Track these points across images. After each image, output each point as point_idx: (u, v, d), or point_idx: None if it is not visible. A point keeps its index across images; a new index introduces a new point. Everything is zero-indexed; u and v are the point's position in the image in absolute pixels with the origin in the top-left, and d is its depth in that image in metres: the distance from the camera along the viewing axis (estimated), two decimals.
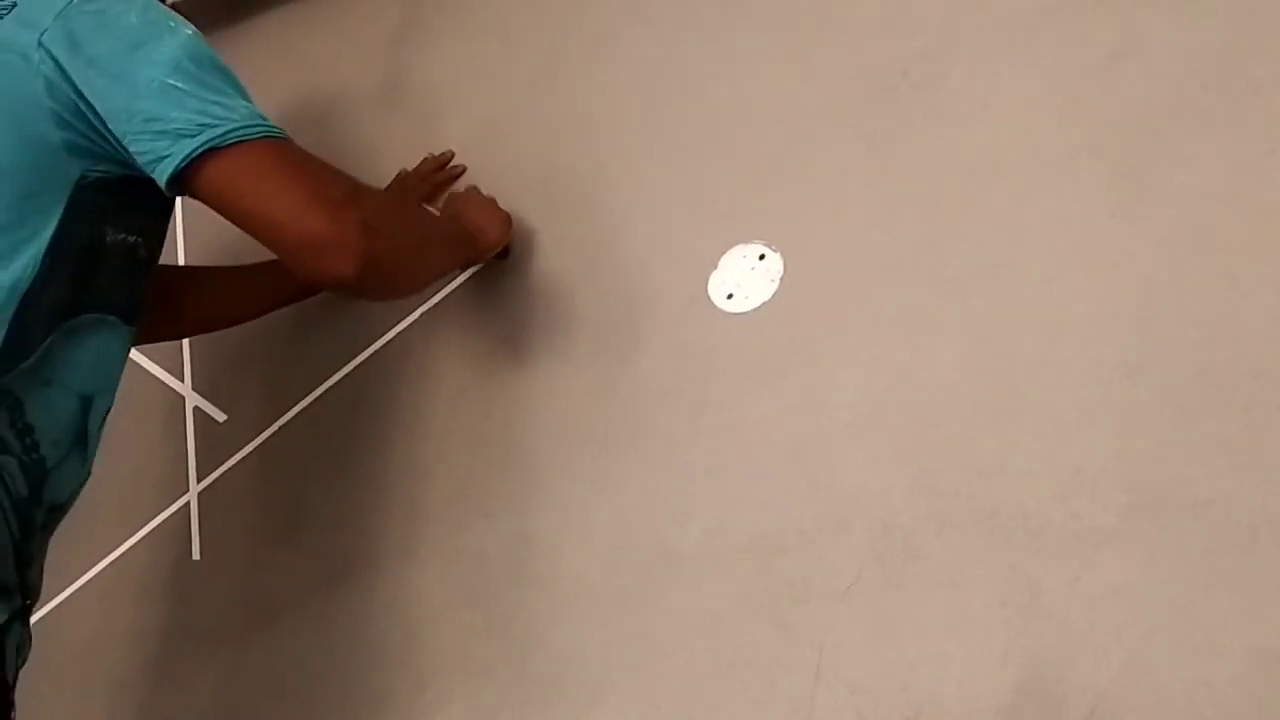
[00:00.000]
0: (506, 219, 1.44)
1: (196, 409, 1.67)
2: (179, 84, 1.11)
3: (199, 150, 1.09)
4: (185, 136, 1.09)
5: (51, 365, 1.13)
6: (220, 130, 1.10)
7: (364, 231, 1.10)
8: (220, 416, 1.65)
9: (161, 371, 1.73)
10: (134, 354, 1.68)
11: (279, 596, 1.45)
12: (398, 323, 1.52)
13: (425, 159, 1.62)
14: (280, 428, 1.56)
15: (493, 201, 1.46)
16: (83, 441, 1.19)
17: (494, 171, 1.56)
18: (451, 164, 1.61)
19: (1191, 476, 0.96)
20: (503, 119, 1.60)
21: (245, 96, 1.16)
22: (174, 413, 1.69)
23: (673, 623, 1.15)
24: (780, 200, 1.29)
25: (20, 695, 1.60)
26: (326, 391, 1.55)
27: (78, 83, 1.10)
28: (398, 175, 1.61)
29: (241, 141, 1.11)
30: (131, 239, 1.20)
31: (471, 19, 1.75)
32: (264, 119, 1.14)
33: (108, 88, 1.10)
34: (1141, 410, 1.00)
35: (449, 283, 1.49)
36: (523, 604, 1.25)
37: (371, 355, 1.54)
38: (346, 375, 1.54)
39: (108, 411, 1.23)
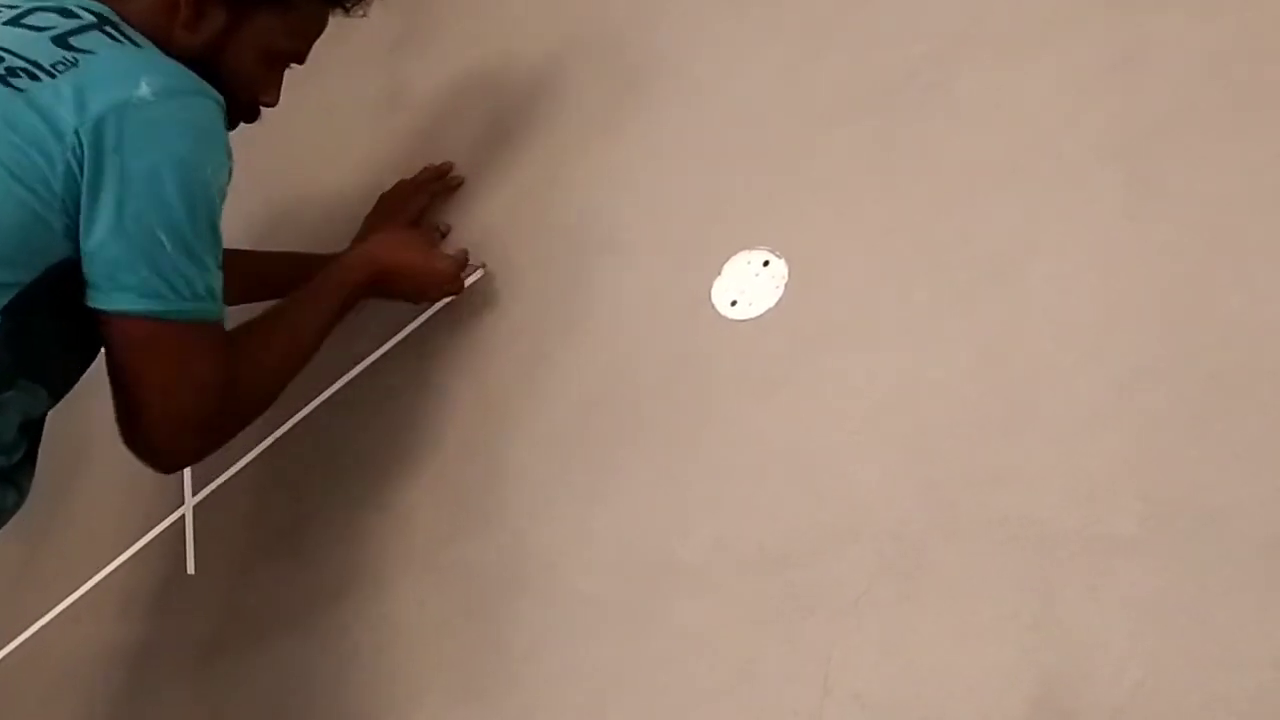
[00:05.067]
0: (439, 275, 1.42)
1: None
2: (165, 240, 1.11)
3: (131, 314, 1.11)
4: (128, 290, 1.11)
5: None
6: (164, 307, 1.11)
7: (183, 457, 1.26)
8: None
9: None
10: None
11: (274, 610, 1.42)
12: (394, 335, 1.51)
13: (424, 169, 1.60)
14: (277, 440, 1.54)
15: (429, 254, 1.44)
16: None
17: (494, 179, 1.55)
18: (451, 174, 1.59)
19: (1209, 483, 0.93)
20: (503, 127, 1.58)
21: (218, 260, 1.17)
22: None
23: (676, 636, 1.12)
24: (785, 206, 1.27)
25: (10, 710, 1.59)
26: (323, 404, 1.53)
27: (89, 181, 1.09)
28: (396, 184, 1.60)
29: (168, 320, 1.12)
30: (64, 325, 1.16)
31: (472, 27, 1.74)
32: (212, 295, 1.15)
33: (104, 208, 1.09)
34: (1157, 416, 0.97)
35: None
36: (521, 617, 1.22)
37: (368, 367, 1.52)
38: (343, 387, 1.52)
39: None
